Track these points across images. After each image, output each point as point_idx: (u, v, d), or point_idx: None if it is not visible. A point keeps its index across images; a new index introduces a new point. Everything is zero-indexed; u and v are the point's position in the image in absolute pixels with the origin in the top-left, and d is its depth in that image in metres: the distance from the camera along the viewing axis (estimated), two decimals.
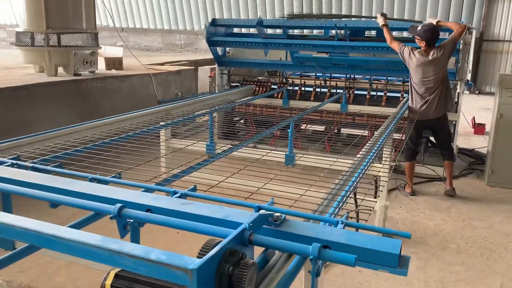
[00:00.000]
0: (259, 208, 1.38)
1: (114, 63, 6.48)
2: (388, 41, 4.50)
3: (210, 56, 6.63)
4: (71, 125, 2.79)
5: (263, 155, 2.68)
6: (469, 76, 5.54)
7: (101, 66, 6.39)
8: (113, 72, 6.29)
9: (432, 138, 5.43)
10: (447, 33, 4.58)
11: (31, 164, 1.76)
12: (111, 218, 1.19)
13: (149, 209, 1.32)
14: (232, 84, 6.22)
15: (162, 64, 9.07)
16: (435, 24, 4.30)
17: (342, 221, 1.32)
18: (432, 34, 4.18)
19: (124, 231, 1.25)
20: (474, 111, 9.22)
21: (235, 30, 6.30)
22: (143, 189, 1.64)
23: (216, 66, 6.06)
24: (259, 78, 6.26)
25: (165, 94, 6.78)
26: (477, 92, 13.42)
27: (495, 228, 3.86)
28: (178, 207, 1.30)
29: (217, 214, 1.25)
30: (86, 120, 2.97)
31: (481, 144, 6.62)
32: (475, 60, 12.79)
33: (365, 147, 2.74)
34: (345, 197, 1.74)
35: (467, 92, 12.89)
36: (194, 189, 1.66)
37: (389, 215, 3.98)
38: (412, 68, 4.33)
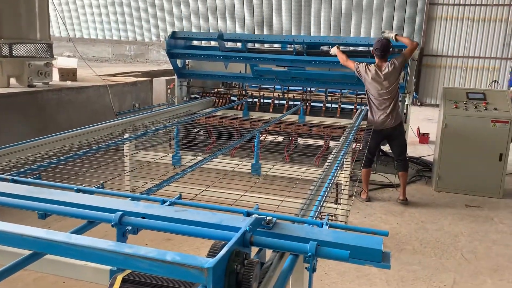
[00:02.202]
0: (247, 214, 1.46)
1: (68, 74, 6.31)
2: (342, 61, 4.79)
3: (162, 67, 6.65)
4: (30, 139, 2.71)
5: (237, 166, 2.76)
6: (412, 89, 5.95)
7: (55, 77, 6.20)
8: (68, 83, 6.13)
9: (384, 148, 5.77)
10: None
11: (11, 177, 1.73)
12: (112, 225, 1.23)
13: (143, 216, 1.36)
14: (191, 96, 6.27)
15: (115, 75, 8.91)
16: (392, 37, 4.65)
17: (326, 223, 1.43)
18: (382, 48, 4.49)
19: (123, 238, 1.28)
20: (418, 121, 9.83)
21: (195, 42, 6.37)
22: (129, 198, 1.68)
23: (175, 77, 6.08)
24: (218, 90, 6.35)
25: (121, 105, 6.69)
26: (419, 104, 14.30)
27: (445, 230, 4.17)
28: (174, 214, 1.35)
29: (212, 220, 1.31)
30: (42, 133, 2.91)
31: (426, 152, 7.09)
32: (416, 74, 13.67)
33: (330, 156, 2.89)
34: (321, 202, 1.87)
35: (411, 103, 13.67)
36: (180, 197, 1.71)
37: (349, 219, 4.19)
38: (369, 82, 4.62)
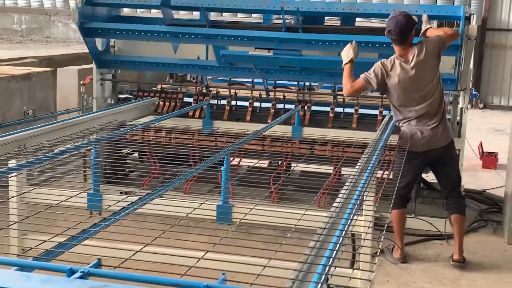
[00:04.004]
0: None
1: None
2: (346, 89, 4.84)
3: (72, 49, 6.63)
4: None
5: (194, 209, 2.76)
6: (470, 84, 6.08)
7: None
8: None
9: (426, 176, 5.85)
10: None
11: None
12: None
13: None
14: (119, 96, 6.27)
15: None
16: (424, 29, 4.78)
17: None
18: (400, 27, 4.54)
19: None
20: (480, 134, 10.02)
21: (126, 11, 6.39)
22: (15, 267, 1.66)
23: (93, 67, 6.07)
24: (163, 86, 6.35)
25: (5, 112, 6.62)
26: (481, 105, 14.60)
27: None
28: None
29: None
30: None
31: (494, 182, 7.20)
32: (476, 60, 13.93)
33: (343, 191, 2.92)
34: (328, 266, 1.89)
35: (469, 106, 13.89)
36: (98, 264, 1.71)
37: None
38: (395, 87, 4.67)
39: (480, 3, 14.33)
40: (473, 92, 5.92)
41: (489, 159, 8.22)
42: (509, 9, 14.32)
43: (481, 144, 8.59)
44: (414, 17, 4.69)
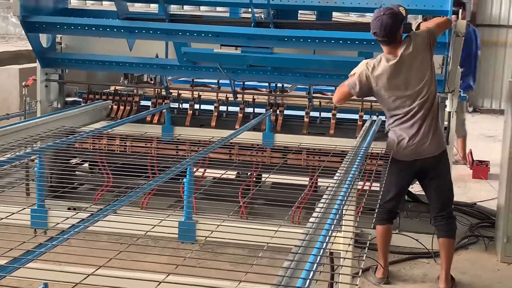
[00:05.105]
0: None
1: None
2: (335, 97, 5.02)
3: (13, 46, 6.56)
4: None
5: (153, 227, 2.75)
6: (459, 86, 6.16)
7: None
8: None
9: (412, 188, 5.91)
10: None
11: None
12: None
13: None
14: (67, 99, 6.25)
15: None
16: (417, 25, 4.87)
17: None
18: (385, 28, 4.55)
19: None
20: (470, 140, 10.14)
21: (74, 3, 6.35)
22: None
23: (37, 66, 6.02)
24: (117, 88, 6.32)
25: None
26: (471, 109, 14.80)
27: None
28: None
29: None
30: None
31: (485, 193, 7.32)
32: None
33: (320, 204, 2.94)
34: None
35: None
36: None
37: None
38: (381, 87, 4.70)
39: None
40: (462, 95, 5.99)
41: (479, 169, 8.32)
42: (501, 2, 14.52)
43: (471, 152, 8.71)
44: (401, 9, 4.67)
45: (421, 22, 4.92)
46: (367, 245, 3.09)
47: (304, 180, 5.83)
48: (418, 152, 4.75)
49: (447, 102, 5.61)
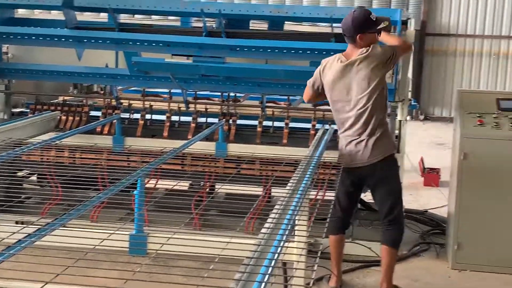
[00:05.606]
0: None
1: None
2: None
3: None
4: None
5: (102, 240, 2.72)
6: (409, 94, 6.26)
7: None
8: None
9: (365, 196, 5.97)
10: None
11: None
12: None
13: None
14: (14, 110, 6.18)
15: None
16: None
17: None
18: (348, 26, 4.60)
19: None
20: (421, 148, 10.31)
21: (21, 12, 6.26)
22: None
23: None
24: (66, 99, 6.26)
25: None
26: (422, 117, 15.05)
27: None
28: None
29: None
30: None
31: (436, 201, 7.42)
32: (415, 67, 14.32)
33: (272, 214, 2.94)
34: None
35: (408, 118, 14.29)
36: None
37: None
38: (329, 86, 4.73)
39: (418, 6, 14.78)
40: (412, 103, 6.09)
41: (431, 176, 8.45)
42: (450, 12, 14.80)
43: (422, 160, 8.84)
44: (377, 17, 4.64)
45: (384, 27, 4.77)
46: (319, 254, 3.08)
47: (257, 190, 5.85)
48: (354, 160, 4.73)
49: (398, 111, 5.68)
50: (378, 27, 4.66)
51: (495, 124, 5.53)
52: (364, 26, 4.60)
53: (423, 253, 5.90)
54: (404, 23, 5.36)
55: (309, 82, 4.88)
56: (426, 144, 11.28)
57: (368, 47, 4.62)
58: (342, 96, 4.71)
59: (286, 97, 6.22)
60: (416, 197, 7.72)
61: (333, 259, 5.02)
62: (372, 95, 4.64)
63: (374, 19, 4.62)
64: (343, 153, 4.77)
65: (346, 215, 5.00)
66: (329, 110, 5.37)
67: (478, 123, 5.53)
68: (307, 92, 4.97)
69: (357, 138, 4.69)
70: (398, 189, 4.93)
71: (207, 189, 6.00)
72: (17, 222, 4.95)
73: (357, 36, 4.57)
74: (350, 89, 4.67)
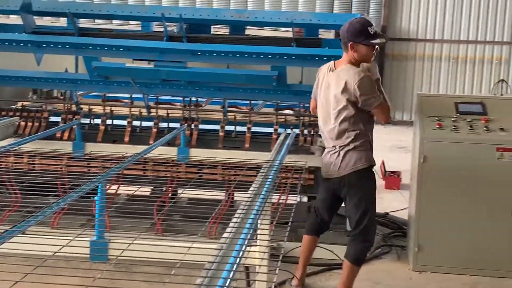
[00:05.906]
0: None
1: None
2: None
3: None
4: None
5: (62, 247, 2.70)
6: None
7: None
8: None
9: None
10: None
11: None
12: None
13: None
14: None
15: None
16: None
17: None
18: (343, 28, 4.53)
19: None
20: (383, 151, 10.37)
21: None
22: None
23: None
24: (25, 104, 6.19)
25: None
26: (383, 121, 15.15)
27: None
28: None
29: None
30: None
31: (397, 203, 7.47)
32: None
33: (235, 218, 2.95)
34: None
35: None
36: None
37: None
38: (317, 90, 4.80)
39: (379, 11, 14.91)
40: None
41: (392, 179, 8.53)
42: (410, 16, 14.96)
43: (383, 163, 8.89)
44: (376, 32, 4.53)
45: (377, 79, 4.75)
46: (280, 258, 3.07)
47: (220, 194, 5.85)
48: (328, 170, 4.72)
49: None
50: (372, 41, 4.48)
51: (454, 127, 5.60)
52: (359, 35, 4.46)
53: (384, 255, 5.94)
54: None
55: (313, 92, 4.90)
56: (387, 148, 11.36)
57: (362, 67, 4.55)
58: (322, 106, 4.74)
59: (248, 102, 6.24)
60: (377, 200, 7.75)
61: (301, 258, 5.02)
62: (347, 115, 4.56)
63: (372, 32, 4.48)
64: (322, 163, 4.81)
65: (322, 221, 4.99)
66: (291, 115, 5.43)
67: (437, 126, 5.61)
68: (311, 102, 4.99)
69: (333, 150, 4.69)
70: (367, 203, 4.77)
71: (169, 194, 5.98)
72: None
73: (349, 44, 4.47)
74: (328, 100, 4.65)
